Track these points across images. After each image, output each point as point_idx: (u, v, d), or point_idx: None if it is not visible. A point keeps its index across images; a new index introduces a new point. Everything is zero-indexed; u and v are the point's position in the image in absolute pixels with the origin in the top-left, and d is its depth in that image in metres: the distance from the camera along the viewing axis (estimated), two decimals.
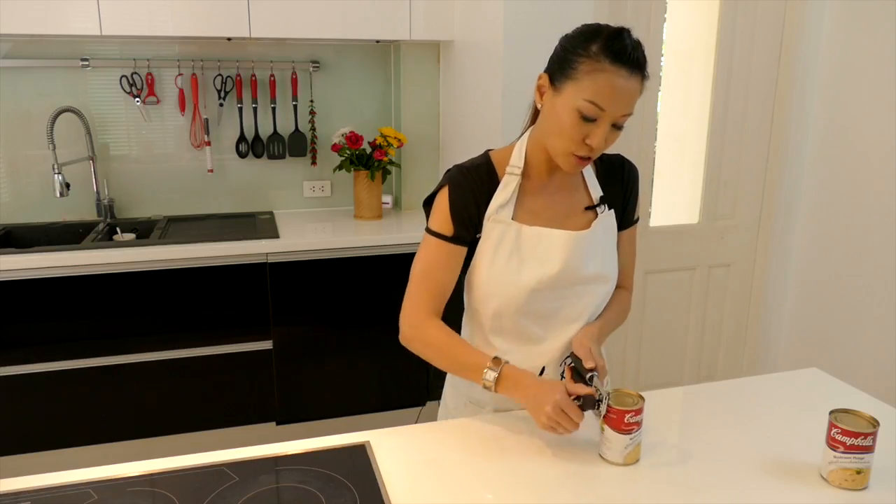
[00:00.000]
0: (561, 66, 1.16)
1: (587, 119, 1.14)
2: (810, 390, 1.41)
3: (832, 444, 1.07)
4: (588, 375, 1.17)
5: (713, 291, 2.91)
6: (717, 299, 2.92)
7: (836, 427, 1.06)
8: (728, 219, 2.84)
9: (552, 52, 1.21)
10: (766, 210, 2.82)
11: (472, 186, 1.26)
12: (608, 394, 1.13)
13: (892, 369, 2.37)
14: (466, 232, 1.26)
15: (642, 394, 1.16)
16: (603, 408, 1.12)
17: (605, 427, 1.13)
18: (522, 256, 1.26)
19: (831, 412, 1.09)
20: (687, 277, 2.86)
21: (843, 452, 1.05)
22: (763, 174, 2.80)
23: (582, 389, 1.13)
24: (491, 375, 1.17)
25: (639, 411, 1.11)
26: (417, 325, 1.26)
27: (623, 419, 1.11)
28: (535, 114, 1.30)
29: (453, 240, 1.26)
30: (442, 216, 1.27)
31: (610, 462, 1.13)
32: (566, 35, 1.20)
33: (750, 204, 2.83)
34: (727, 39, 2.63)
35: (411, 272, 1.29)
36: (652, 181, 2.71)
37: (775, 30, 2.65)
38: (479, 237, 1.27)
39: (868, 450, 1.05)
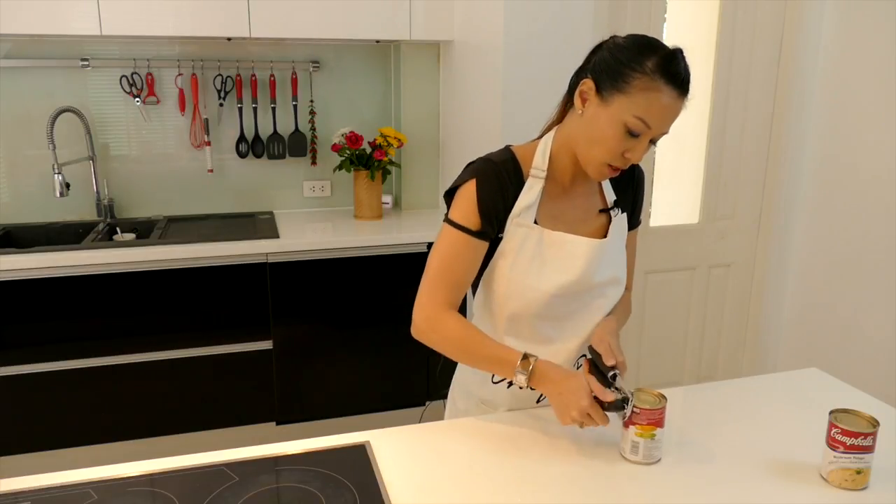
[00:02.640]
0: (612, 76, 1.13)
1: (632, 134, 1.13)
2: (810, 390, 1.41)
3: (832, 444, 1.07)
4: (610, 374, 1.15)
5: (713, 291, 2.91)
6: (717, 299, 2.92)
7: (836, 427, 1.06)
8: (728, 219, 2.84)
9: (598, 58, 1.17)
10: (766, 210, 2.82)
11: (500, 182, 1.22)
12: (632, 393, 1.13)
13: (892, 369, 2.36)
14: (491, 228, 1.23)
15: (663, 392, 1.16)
16: (628, 410, 1.11)
17: (631, 427, 1.12)
18: (544, 261, 1.24)
19: (831, 412, 1.09)
20: (687, 277, 2.86)
21: (843, 452, 1.05)
22: (763, 174, 2.80)
23: (609, 396, 1.11)
24: (522, 379, 1.16)
25: (663, 410, 1.11)
26: (434, 318, 1.22)
27: (658, 418, 1.11)
28: (562, 113, 1.27)
29: (478, 234, 1.22)
30: (468, 209, 1.22)
31: (635, 462, 1.12)
32: (615, 44, 1.16)
33: (750, 204, 2.83)
34: (727, 39, 2.63)
35: (428, 262, 1.25)
36: (652, 181, 2.71)
37: (775, 30, 2.65)
38: (501, 236, 1.25)
39: (868, 450, 1.05)
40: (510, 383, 1.32)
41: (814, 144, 2.64)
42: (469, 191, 1.22)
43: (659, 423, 1.11)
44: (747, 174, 2.79)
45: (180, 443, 2.53)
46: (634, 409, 1.11)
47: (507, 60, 2.29)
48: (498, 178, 1.22)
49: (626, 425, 1.13)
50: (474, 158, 1.27)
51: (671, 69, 1.11)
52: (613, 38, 1.19)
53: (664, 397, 1.13)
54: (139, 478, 1.08)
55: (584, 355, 1.34)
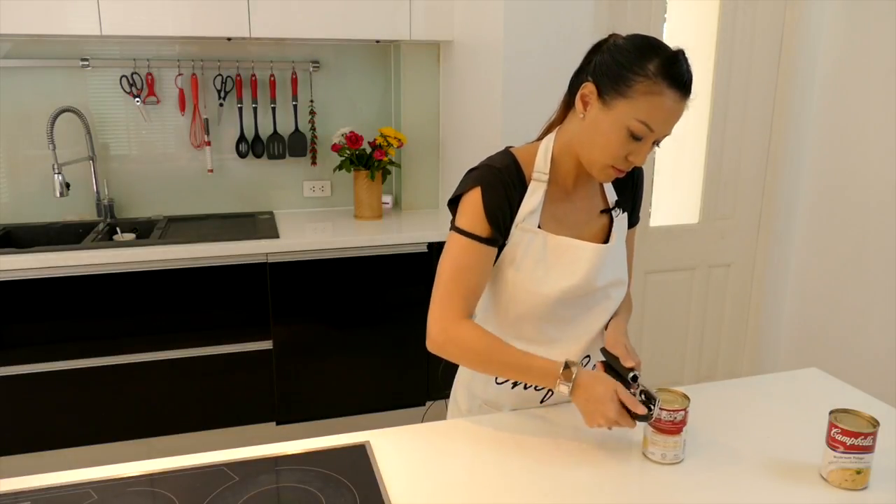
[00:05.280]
0: (613, 80, 1.12)
1: (635, 137, 1.12)
2: (810, 390, 1.41)
3: (832, 444, 1.07)
4: (630, 375, 1.15)
5: (713, 291, 2.91)
6: (717, 299, 2.92)
7: (836, 427, 1.06)
8: (728, 219, 2.84)
9: (598, 60, 1.15)
10: (766, 210, 2.82)
11: (505, 189, 1.20)
12: (657, 392, 1.13)
13: (892, 369, 2.36)
14: (500, 234, 1.22)
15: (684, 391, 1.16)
16: (655, 410, 1.11)
17: (658, 429, 1.13)
18: (549, 266, 1.24)
19: (831, 412, 1.09)
20: (687, 277, 2.86)
21: (843, 452, 1.05)
22: (763, 174, 2.80)
23: (641, 408, 1.10)
24: (565, 390, 1.14)
25: (685, 409, 1.12)
26: (450, 329, 1.20)
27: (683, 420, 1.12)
28: (563, 114, 1.26)
29: (487, 241, 1.20)
30: (475, 216, 1.20)
31: (663, 463, 1.13)
32: (616, 46, 1.14)
33: (750, 204, 2.83)
34: (727, 39, 2.63)
35: (439, 273, 1.23)
36: (652, 181, 2.71)
37: (775, 30, 2.65)
38: (506, 243, 1.24)
39: (868, 450, 1.05)
40: (515, 383, 1.32)
41: (814, 144, 2.64)
42: (474, 199, 1.20)
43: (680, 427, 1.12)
44: (747, 174, 2.79)
45: (180, 443, 2.53)
46: (668, 416, 1.11)
47: (507, 60, 2.29)
48: (503, 185, 1.21)
49: (655, 426, 1.13)
50: (476, 164, 1.25)
51: (674, 72, 1.10)
52: (614, 38, 1.18)
53: (686, 398, 1.14)
54: (139, 478, 1.08)
55: (588, 358, 1.34)
